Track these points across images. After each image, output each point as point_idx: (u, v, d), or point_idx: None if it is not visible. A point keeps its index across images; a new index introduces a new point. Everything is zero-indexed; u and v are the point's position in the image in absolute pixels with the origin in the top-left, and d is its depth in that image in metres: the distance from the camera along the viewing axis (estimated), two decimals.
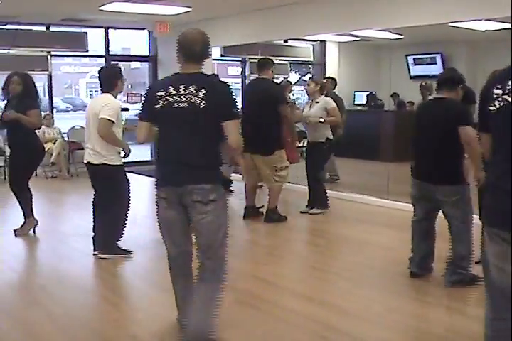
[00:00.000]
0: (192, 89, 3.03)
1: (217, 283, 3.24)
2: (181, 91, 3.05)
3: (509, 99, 2.29)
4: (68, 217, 7.22)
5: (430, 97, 4.74)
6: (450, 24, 6.63)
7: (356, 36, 8.55)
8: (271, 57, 6.78)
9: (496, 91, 2.35)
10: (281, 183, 6.49)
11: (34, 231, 5.98)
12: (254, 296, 4.19)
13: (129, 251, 5.13)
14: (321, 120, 6.57)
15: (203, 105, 3.01)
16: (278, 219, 6.47)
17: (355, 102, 10.42)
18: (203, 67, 3.18)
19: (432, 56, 9.05)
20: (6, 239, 5.79)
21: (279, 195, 6.52)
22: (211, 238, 3.18)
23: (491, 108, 2.36)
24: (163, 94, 3.09)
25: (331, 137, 6.77)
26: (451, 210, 4.27)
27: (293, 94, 9.04)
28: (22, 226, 5.92)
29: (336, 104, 6.85)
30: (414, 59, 9.30)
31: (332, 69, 9.90)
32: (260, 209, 6.71)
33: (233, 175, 8.07)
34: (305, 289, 4.42)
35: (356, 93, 10.35)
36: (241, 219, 6.61)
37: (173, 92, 3.08)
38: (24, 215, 5.91)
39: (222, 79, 3.39)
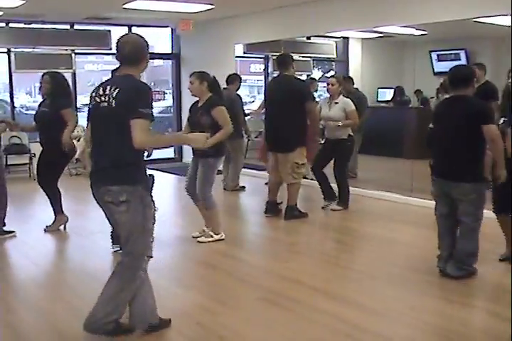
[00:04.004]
0: None
1: (125, 281, 3.28)
2: None
3: None
4: (93, 214, 7.23)
5: (446, 96, 4.76)
6: (474, 20, 6.56)
7: (379, 32, 8.49)
8: (291, 53, 6.75)
9: None
10: (299, 180, 6.47)
11: (65, 228, 6.10)
12: (277, 294, 4.19)
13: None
14: (339, 124, 6.56)
15: None
16: (298, 216, 6.47)
17: (379, 99, 10.32)
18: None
19: (456, 52, 8.94)
20: (32, 236, 5.86)
21: (298, 191, 6.51)
22: (127, 234, 3.23)
23: None
24: None
25: (352, 133, 6.75)
26: (467, 208, 4.31)
27: (316, 91, 9.00)
28: (53, 222, 6.02)
29: (359, 103, 6.94)
30: (438, 55, 9.19)
31: (355, 66, 9.84)
32: (280, 206, 6.70)
33: (256, 172, 8.06)
34: (329, 287, 4.41)
35: (380, 90, 10.26)
36: (261, 216, 6.67)
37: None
38: (54, 212, 5.99)
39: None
